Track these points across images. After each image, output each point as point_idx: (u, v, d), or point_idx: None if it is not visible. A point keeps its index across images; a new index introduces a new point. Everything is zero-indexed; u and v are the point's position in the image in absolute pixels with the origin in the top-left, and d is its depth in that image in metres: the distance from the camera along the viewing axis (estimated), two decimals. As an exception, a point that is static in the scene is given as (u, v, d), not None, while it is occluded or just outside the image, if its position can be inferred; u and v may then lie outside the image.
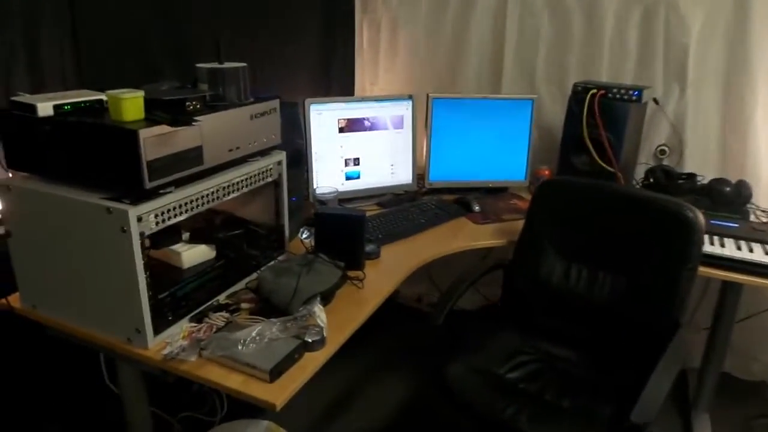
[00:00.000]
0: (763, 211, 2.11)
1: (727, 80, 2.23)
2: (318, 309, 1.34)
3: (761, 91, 2.15)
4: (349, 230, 1.63)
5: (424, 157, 2.36)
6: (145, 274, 1.20)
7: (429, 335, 1.67)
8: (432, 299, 2.91)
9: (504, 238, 1.98)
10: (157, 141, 1.17)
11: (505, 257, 1.94)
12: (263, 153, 1.55)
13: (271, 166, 1.58)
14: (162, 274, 1.36)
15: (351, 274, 1.58)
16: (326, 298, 1.45)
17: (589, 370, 1.69)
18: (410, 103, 2.28)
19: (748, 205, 2.08)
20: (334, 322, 1.35)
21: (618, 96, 2.11)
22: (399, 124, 2.28)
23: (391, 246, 1.87)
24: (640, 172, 2.32)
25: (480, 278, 1.85)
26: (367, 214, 2.07)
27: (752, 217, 2.05)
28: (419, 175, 2.38)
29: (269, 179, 1.58)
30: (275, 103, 1.55)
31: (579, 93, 2.17)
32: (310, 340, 1.27)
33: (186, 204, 1.29)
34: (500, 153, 2.38)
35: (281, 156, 1.61)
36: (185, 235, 1.50)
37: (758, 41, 2.11)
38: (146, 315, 1.22)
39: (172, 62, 1.83)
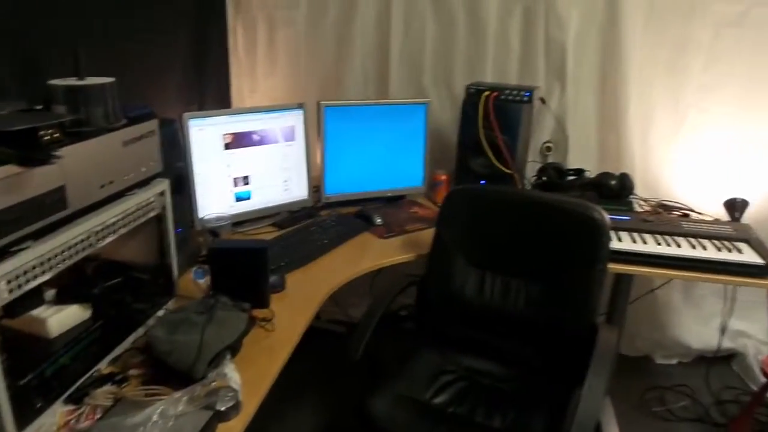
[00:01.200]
0: (644, 201, 2.24)
1: (603, 77, 2.33)
2: (229, 368, 1.14)
3: (633, 87, 2.28)
4: (250, 265, 1.44)
5: (318, 170, 2.21)
6: None
7: (341, 360, 1.52)
8: (333, 315, 2.76)
9: (412, 251, 1.90)
10: (2, 187, 0.91)
11: (412, 270, 1.86)
12: (142, 184, 1.31)
13: (152, 199, 1.34)
14: (23, 349, 1.08)
15: (258, 314, 1.40)
16: (234, 350, 1.26)
17: (515, 383, 1.66)
18: (301, 112, 2.11)
19: (631, 197, 2.20)
20: (245, 378, 1.17)
21: (510, 97, 2.11)
22: (290, 136, 2.10)
23: (296, 273, 1.70)
24: (530, 171, 2.36)
25: (394, 299, 1.75)
26: (264, 237, 1.89)
27: (637, 208, 2.16)
28: (314, 188, 2.22)
29: (151, 214, 1.34)
30: (153, 124, 1.31)
31: (472, 95, 2.15)
32: (222, 409, 1.07)
33: (49, 260, 1.03)
34: (396, 160, 2.29)
35: (164, 185, 1.38)
36: (49, 294, 1.22)
37: (629, 40, 2.22)
38: (5, 410, 0.95)
39: (14, 78, 1.47)
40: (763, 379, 2.13)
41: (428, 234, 1.84)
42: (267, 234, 1.96)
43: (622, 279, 2.15)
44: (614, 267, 1.79)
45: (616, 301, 2.21)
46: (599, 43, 2.30)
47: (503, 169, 2.11)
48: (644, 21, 2.23)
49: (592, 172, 2.25)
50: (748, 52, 2.20)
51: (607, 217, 1.60)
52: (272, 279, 1.56)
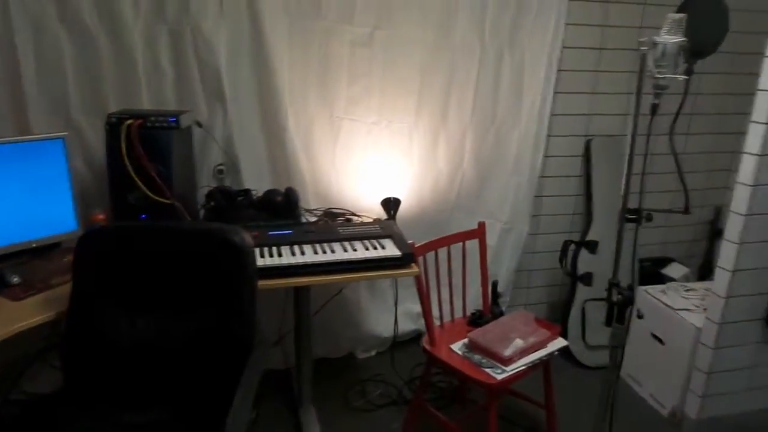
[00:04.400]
0: (310, 211, 2.35)
1: (260, 97, 2.38)
2: None
3: (289, 103, 2.38)
4: None
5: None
6: None
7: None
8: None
9: (53, 309, 1.66)
10: None
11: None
12: None
13: None
14: None
15: None
16: None
17: (184, 428, 1.57)
18: None
19: (302, 209, 2.29)
20: None
21: (157, 124, 2.00)
22: None
23: None
24: (203, 196, 2.29)
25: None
26: None
27: (304, 220, 2.26)
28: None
29: None
30: None
31: (114, 125, 1.97)
32: None
33: None
34: (38, 204, 1.99)
35: None
36: None
37: (277, 60, 2.32)
38: None
39: None
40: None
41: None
42: None
43: (299, 291, 2.22)
44: (277, 282, 1.83)
45: (299, 314, 2.28)
46: (251, 63, 2.34)
47: (161, 200, 1.99)
48: (288, 41, 2.35)
49: (259, 191, 2.28)
50: (379, 68, 2.47)
51: (247, 237, 1.61)
52: None
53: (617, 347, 1.71)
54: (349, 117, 2.50)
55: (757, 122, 2.00)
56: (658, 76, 1.61)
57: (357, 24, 2.40)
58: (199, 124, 2.27)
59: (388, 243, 2.01)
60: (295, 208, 2.22)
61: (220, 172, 2.39)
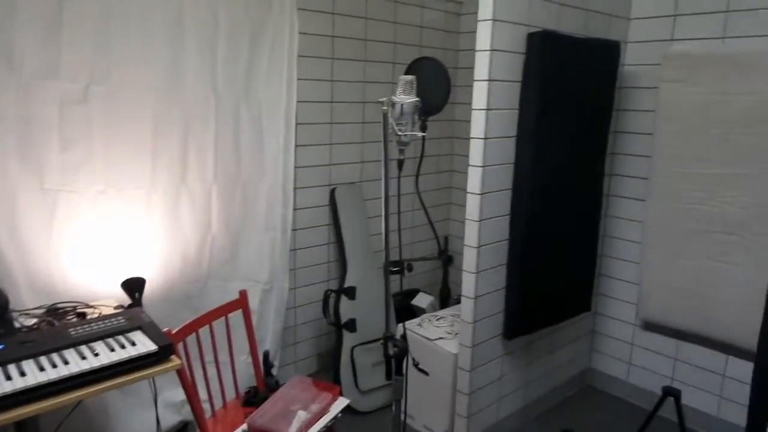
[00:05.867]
0: (27, 313, 1.87)
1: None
2: None
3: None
4: None
5: None
6: None
7: None
8: None
9: None
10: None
11: None
12: None
13: None
14: None
15: None
16: None
17: None
18: None
19: (11, 314, 1.80)
20: None
21: None
22: None
23: None
24: None
25: None
26: None
27: (18, 326, 1.78)
28: None
29: None
30: None
31: None
32: None
33: None
34: None
35: None
36: None
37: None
38: None
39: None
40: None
41: None
42: None
43: (24, 426, 1.73)
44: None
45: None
46: None
47: None
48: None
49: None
50: (101, 129, 2.13)
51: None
52: None
53: (400, 400, 1.72)
54: (67, 188, 2.09)
55: (474, 165, 2.28)
56: (400, 133, 1.69)
57: (65, 79, 2.03)
58: None
59: (139, 336, 1.70)
60: (3, 312, 1.73)
61: None
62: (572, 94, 2.38)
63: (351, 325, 2.83)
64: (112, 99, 2.14)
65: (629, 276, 2.90)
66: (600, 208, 2.76)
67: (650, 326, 2.81)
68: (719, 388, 2.65)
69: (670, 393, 2.16)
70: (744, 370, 2.51)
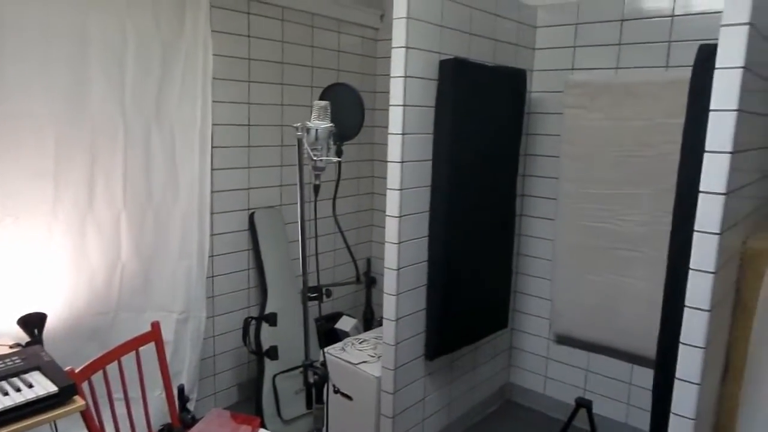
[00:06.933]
0: None
1: None
2: None
3: None
4: None
5: None
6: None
7: None
8: None
9: None
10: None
11: None
12: None
13: None
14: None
15: None
16: None
17: None
18: None
19: None
20: None
21: None
22: None
23: None
24: None
25: None
26: None
27: None
28: None
29: None
30: None
31: None
32: None
33: None
34: None
35: None
36: None
37: None
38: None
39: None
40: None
41: None
42: None
43: None
44: None
45: None
46: None
47: None
48: None
49: None
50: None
51: None
52: None
53: (321, 428, 1.69)
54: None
55: (393, 189, 2.31)
56: (315, 158, 1.70)
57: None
58: None
59: (37, 377, 1.58)
60: None
61: None
62: (484, 119, 2.48)
63: (273, 353, 2.76)
64: (5, 119, 2.00)
65: (543, 292, 3.03)
66: (514, 227, 2.87)
67: (562, 340, 2.95)
68: (627, 396, 2.80)
69: (582, 404, 2.27)
70: (648, 378, 2.68)
